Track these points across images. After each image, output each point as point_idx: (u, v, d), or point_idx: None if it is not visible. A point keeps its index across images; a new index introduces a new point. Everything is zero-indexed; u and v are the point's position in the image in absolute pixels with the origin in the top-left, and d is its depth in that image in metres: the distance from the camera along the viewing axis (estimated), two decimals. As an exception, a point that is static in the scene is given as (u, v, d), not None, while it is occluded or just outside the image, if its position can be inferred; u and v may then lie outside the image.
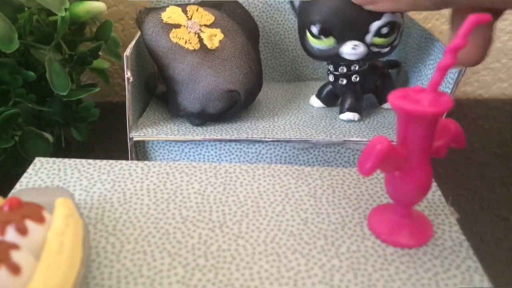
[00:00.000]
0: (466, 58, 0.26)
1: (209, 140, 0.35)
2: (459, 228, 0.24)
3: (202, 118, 0.36)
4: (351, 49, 0.34)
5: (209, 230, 0.23)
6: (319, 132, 0.36)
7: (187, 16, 0.36)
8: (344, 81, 0.38)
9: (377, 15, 0.32)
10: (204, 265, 0.21)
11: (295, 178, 0.28)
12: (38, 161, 0.28)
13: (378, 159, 0.20)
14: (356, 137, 0.35)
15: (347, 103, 0.38)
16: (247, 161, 0.36)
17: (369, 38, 0.34)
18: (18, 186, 0.26)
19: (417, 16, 0.52)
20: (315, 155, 0.36)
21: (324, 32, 0.34)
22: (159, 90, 0.41)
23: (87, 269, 0.21)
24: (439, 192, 0.27)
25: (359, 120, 0.38)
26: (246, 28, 0.39)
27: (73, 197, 0.22)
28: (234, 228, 0.24)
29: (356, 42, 0.34)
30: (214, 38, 0.36)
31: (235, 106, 0.36)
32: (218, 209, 0.25)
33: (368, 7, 0.26)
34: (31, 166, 0.27)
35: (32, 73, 0.35)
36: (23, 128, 0.36)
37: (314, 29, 0.34)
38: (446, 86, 0.34)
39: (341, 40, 0.34)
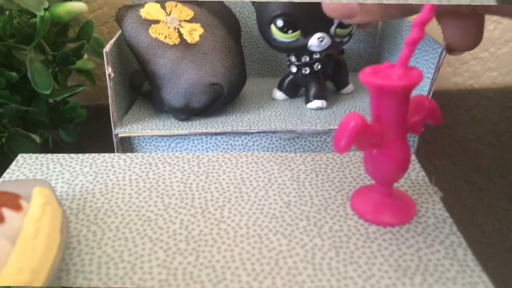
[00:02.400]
0: (460, 44, 0.26)
1: (195, 134, 0.35)
2: (442, 206, 0.24)
3: (187, 113, 0.36)
4: (317, 41, 0.34)
5: (191, 216, 0.23)
6: (304, 122, 0.36)
7: (166, 12, 0.37)
8: (308, 70, 0.38)
9: None
10: (185, 249, 0.21)
11: (278, 164, 0.28)
12: (21, 157, 0.28)
13: (352, 136, 0.20)
14: (341, 124, 0.35)
15: (313, 91, 0.38)
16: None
17: (333, 29, 0.34)
18: (0, 181, 0.26)
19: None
20: (301, 145, 0.36)
21: (290, 25, 0.34)
22: (145, 88, 0.41)
23: (68, 256, 0.21)
24: (422, 173, 0.27)
25: (327, 108, 0.38)
26: (226, 22, 0.39)
27: (52, 187, 0.22)
28: (216, 213, 0.24)
29: (322, 34, 0.34)
30: (194, 32, 0.36)
31: (219, 100, 0.36)
32: (201, 196, 0.25)
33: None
34: (14, 162, 0.27)
35: (14, 74, 0.35)
36: (9, 129, 0.36)
37: (280, 23, 0.34)
38: (428, 71, 0.34)
39: (306, 33, 0.35)
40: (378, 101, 0.21)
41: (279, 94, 0.41)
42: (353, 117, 0.20)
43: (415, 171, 0.27)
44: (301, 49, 0.36)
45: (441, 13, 0.26)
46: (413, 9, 0.24)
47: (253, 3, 0.38)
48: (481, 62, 0.57)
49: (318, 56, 0.37)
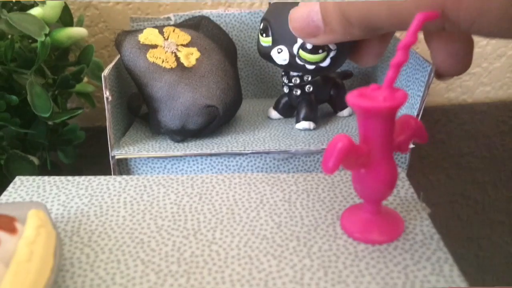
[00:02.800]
0: (449, 69, 0.27)
1: (190, 155, 0.36)
2: (430, 222, 0.25)
3: (183, 134, 0.37)
4: (276, 52, 0.35)
5: (183, 238, 0.24)
6: (298, 142, 0.36)
7: (164, 37, 0.38)
8: (299, 92, 0.39)
9: None
10: (177, 271, 0.22)
11: (270, 185, 0.28)
12: (18, 180, 0.28)
13: (339, 156, 0.20)
14: (334, 144, 0.36)
15: (302, 112, 0.39)
16: (227, 173, 0.37)
17: (295, 48, 0.35)
18: (-3, 205, 0.26)
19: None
20: (295, 165, 0.37)
21: (265, 30, 0.35)
22: (143, 111, 0.42)
23: (61, 278, 0.21)
24: (411, 190, 0.27)
25: (314, 129, 0.39)
26: (222, 46, 0.40)
27: (47, 209, 0.23)
28: (208, 234, 0.24)
29: (282, 47, 0.35)
30: (190, 56, 0.37)
31: (214, 121, 0.37)
32: (193, 218, 0.25)
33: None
34: (11, 185, 0.28)
35: (14, 97, 0.36)
36: (8, 151, 0.37)
37: (262, 25, 0.36)
38: (418, 89, 0.35)
39: (275, 42, 0.35)
40: (365, 122, 0.21)
41: (274, 114, 0.42)
42: (340, 139, 0.21)
43: (404, 188, 0.28)
44: (268, 57, 0.36)
45: (430, 36, 0.27)
46: (376, 29, 0.25)
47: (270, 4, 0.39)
48: (474, 77, 0.58)
49: (309, 78, 0.38)
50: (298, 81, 0.38)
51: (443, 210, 0.38)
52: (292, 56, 0.35)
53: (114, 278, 0.21)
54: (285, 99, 0.41)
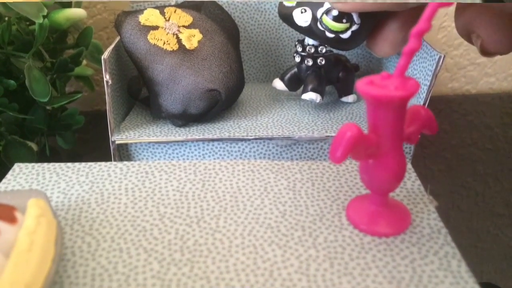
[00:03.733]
0: (498, 45, 0.25)
1: (192, 140, 0.35)
2: (437, 216, 0.24)
3: (184, 119, 0.36)
4: (299, 11, 0.34)
5: (186, 226, 0.23)
6: (301, 129, 0.36)
7: (165, 18, 0.37)
8: (310, 62, 0.38)
9: None
10: (180, 260, 0.21)
11: (274, 173, 0.28)
12: (17, 167, 0.28)
13: (348, 146, 0.20)
14: (338, 131, 0.35)
15: (311, 84, 0.38)
16: (230, 160, 0.36)
17: (320, 12, 0.34)
18: (-4, 192, 0.26)
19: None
20: (298, 151, 0.36)
21: None
22: (143, 95, 0.41)
23: (62, 268, 0.21)
24: (418, 182, 0.27)
25: (324, 115, 0.38)
26: (225, 28, 0.39)
27: (47, 197, 0.22)
28: (212, 222, 0.24)
29: (306, 7, 0.34)
30: (192, 38, 0.36)
31: (216, 106, 0.36)
32: (196, 205, 0.25)
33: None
34: (10, 172, 0.27)
35: (12, 82, 0.35)
36: (6, 137, 0.36)
37: None
38: (425, 79, 0.34)
39: (299, 4, 0.34)
40: (375, 111, 0.21)
41: (279, 84, 0.41)
42: (348, 128, 0.20)
43: (411, 180, 0.27)
44: (288, 16, 0.35)
45: (474, 9, 0.25)
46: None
47: None
48: (479, 67, 0.57)
49: (324, 51, 0.37)
50: (312, 50, 0.37)
51: (444, 201, 0.37)
52: (314, 19, 0.34)
53: (116, 267, 0.21)
54: (293, 70, 0.40)
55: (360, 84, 0.20)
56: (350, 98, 0.41)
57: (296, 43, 0.38)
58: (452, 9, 0.25)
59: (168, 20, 0.37)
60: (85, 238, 0.22)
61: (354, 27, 0.34)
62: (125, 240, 0.22)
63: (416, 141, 0.23)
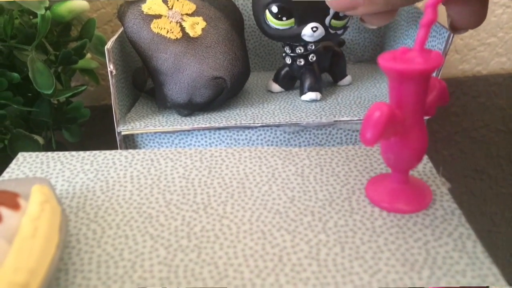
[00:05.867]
0: (464, 22, 0.25)
1: (198, 129, 0.35)
2: (450, 197, 0.23)
3: (190, 108, 0.36)
4: (310, 31, 0.34)
5: (193, 212, 0.23)
6: (309, 115, 0.35)
7: (168, 6, 0.36)
8: (302, 62, 0.37)
9: None
10: (187, 246, 0.21)
11: (282, 159, 0.27)
12: (21, 156, 0.27)
13: (380, 127, 0.19)
14: (347, 116, 0.34)
15: (307, 83, 0.38)
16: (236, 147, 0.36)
17: (327, 20, 0.34)
18: None
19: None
20: (306, 138, 0.35)
21: (284, 12, 0.34)
22: (148, 86, 0.41)
23: (66, 255, 0.20)
24: (430, 164, 0.26)
25: (321, 99, 0.38)
26: (229, 15, 0.39)
27: (51, 185, 0.22)
28: (219, 209, 0.23)
29: (316, 24, 0.34)
30: (196, 26, 0.36)
31: (222, 93, 0.36)
32: (203, 192, 0.24)
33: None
34: (14, 161, 0.27)
35: (16, 75, 0.35)
36: (12, 131, 0.36)
37: (274, 9, 0.34)
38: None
39: (300, 22, 0.34)
40: (399, 87, 0.20)
41: (274, 86, 0.40)
42: (378, 107, 0.19)
43: (423, 162, 0.26)
44: (294, 38, 0.35)
45: None
46: None
47: None
48: (489, 47, 0.56)
49: (313, 47, 0.37)
50: (302, 50, 0.37)
51: (457, 185, 0.36)
52: (326, 29, 0.34)
53: (122, 254, 0.20)
54: (285, 70, 0.40)
55: (383, 60, 0.19)
56: (346, 81, 0.41)
57: (283, 44, 0.38)
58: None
59: (171, 8, 0.36)
60: (90, 225, 0.22)
61: None
62: (131, 227, 0.22)
63: (433, 113, 0.22)
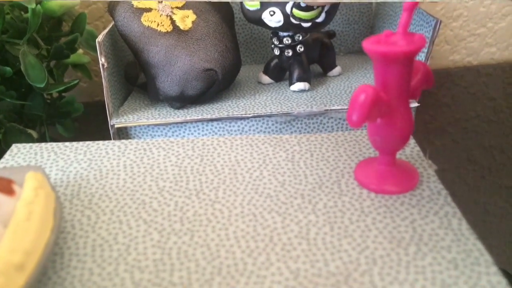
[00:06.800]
0: None
1: (191, 121, 0.35)
2: (437, 179, 0.24)
3: (182, 101, 0.36)
4: (268, 14, 0.35)
5: (186, 198, 0.23)
6: (300, 104, 0.36)
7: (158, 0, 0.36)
8: (290, 53, 0.38)
9: None
10: (180, 229, 0.21)
11: (273, 146, 0.28)
12: (15, 147, 0.28)
13: (365, 108, 0.20)
14: (337, 105, 0.35)
15: (296, 74, 0.39)
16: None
17: (288, 8, 0.34)
18: (-5, 173, 0.26)
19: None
20: (298, 127, 0.36)
21: None
22: (140, 81, 0.41)
23: (62, 240, 0.21)
24: (417, 148, 0.27)
25: (310, 90, 0.38)
26: (219, 8, 0.39)
27: (45, 172, 0.22)
28: (211, 194, 0.24)
29: (274, 9, 0.34)
30: (186, 19, 0.36)
31: (213, 85, 0.36)
32: (195, 179, 0.25)
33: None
34: (8, 152, 0.27)
35: (8, 69, 0.35)
36: (5, 125, 0.36)
37: None
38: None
39: (264, 5, 0.35)
40: (384, 69, 0.21)
41: (264, 78, 0.41)
42: (363, 89, 0.20)
43: (410, 146, 0.27)
44: (258, 21, 0.36)
45: None
46: None
47: None
48: (479, 38, 0.56)
49: (300, 38, 0.37)
50: (289, 41, 0.37)
51: (449, 175, 0.37)
52: (286, 16, 0.34)
53: (116, 238, 0.21)
54: (275, 61, 0.40)
55: (367, 43, 0.20)
56: (335, 72, 0.42)
57: (271, 35, 0.38)
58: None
59: (161, 1, 0.37)
60: (85, 212, 0.22)
61: (327, 7, 0.34)
62: (124, 213, 0.22)
63: (418, 97, 0.23)
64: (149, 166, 0.26)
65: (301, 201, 0.23)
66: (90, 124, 0.48)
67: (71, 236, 0.21)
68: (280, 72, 0.41)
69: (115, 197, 0.24)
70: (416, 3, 0.20)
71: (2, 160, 0.26)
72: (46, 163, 0.26)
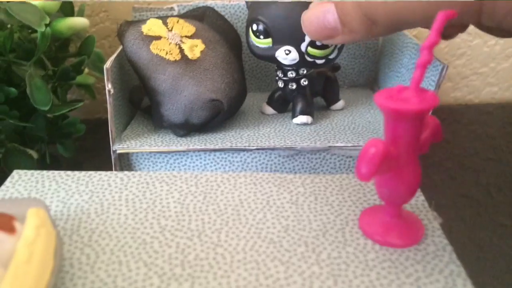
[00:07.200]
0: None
1: (193, 150, 0.35)
2: (442, 233, 0.24)
3: (186, 129, 0.36)
4: (283, 53, 0.34)
5: (187, 239, 0.23)
6: (303, 139, 0.36)
7: (168, 28, 0.36)
8: (294, 86, 0.38)
9: None
10: (181, 275, 0.21)
11: (277, 186, 0.27)
12: (16, 174, 0.27)
13: (374, 163, 0.19)
14: (341, 142, 0.35)
15: (299, 106, 0.38)
16: (232, 170, 0.36)
17: (303, 46, 0.34)
18: (-6, 200, 0.25)
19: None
20: (300, 162, 0.36)
21: (263, 32, 0.35)
22: (144, 104, 0.41)
23: (60, 280, 0.20)
24: (422, 197, 0.27)
25: (312, 123, 0.38)
26: (227, 38, 0.39)
27: (47, 207, 0.22)
28: (213, 236, 0.23)
29: (289, 48, 0.34)
30: (195, 48, 0.36)
31: (218, 116, 0.36)
32: (198, 218, 0.25)
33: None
34: (9, 179, 0.27)
35: (13, 89, 0.35)
36: (6, 145, 0.36)
37: (255, 27, 0.35)
38: (428, 89, 0.34)
39: (277, 43, 0.35)
40: (395, 125, 0.21)
41: (268, 109, 0.41)
42: (373, 144, 0.20)
43: (415, 195, 0.27)
44: (271, 58, 0.36)
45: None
46: (399, 26, 0.24)
47: (247, 3, 0.38)
48: (481, 77, 0.57)
49: (305, 72, 0.37)
50: (293, 74, 0.37)
51: (446, 211, 0.37)
52: (301, 55, 0.34)
53: (115, 281, 0.20)
54: (278, 93, 0.40)
55: (379, 98, 0.20)
56: (338, 105, 0.42)
57: (276, 68, 0.38)
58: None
59: (171, 30, 0.37)
60: (84, 250, 0.22)
61: (339, 44, 0.35)
62: (124, 253, 0.22)
63: (427, 151, 0.23)
64: (151, 202, 0.26)
65: (304, 249, 0.23)
66: (89, 142, 0.48)
67: (69, 276, 0.21)
68: (283, 104, 0.41)
69: (116, 234, 0.23)
70: (430, 60, 0.20)
71: (3, 187, 0.26)
72: (47, 193, 0.26)
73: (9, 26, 0.35)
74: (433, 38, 0.19)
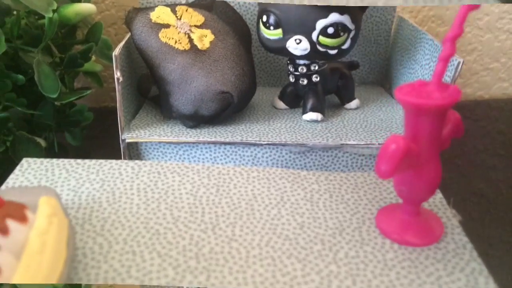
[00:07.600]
0: None
1: (203, 143, 0.34)
2: (461, 230, 0.23)
3: (196, 120, 0.35)
4: (294, 43, 0.34)
5: (201, 232, 0.22)
6: (315, 136, 0.35)
7: (176, 16, 0.36)
8: (305, 81, 0.37)
9: (324, 14, 0.32)
10: (196, 267, 0.20)
11: (290, 182, 0.27)
12: (26, 162, 0.27)
13: (395, 160, 0.19)
14: (353, 140, 0.34)
15: (309, 103, 0.38)
16: (242, 164, 0.35)
17: (315, 35, 0.33)
18: (3, 187, 0.25)
19: (413, 19, 0.52)
20: (312, 159, 0.35)
21: (273, 22, 0.34)
22: (153, 93, 0.40)
23: (73, 270, 0.20)
24: (440, 195, 0.26)
25: (322, 120, 0.38)
26: (237, 29, 0.38)
27: (58, 196, 0.21)
28: (228, 230, 0.23)
29: (300, 37, 0.34)
30: (204, 38, 0.35)
31: (228, 108, 0.35)
32: (211, 211, 0.24)
33: None
34: (18, 167, 0.26)
35: (21, 76, 0.34)
36: (14, 133, 0.35)
37: (265, 18, 0.34)
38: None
39: (287, 33, 0.34)
40: (416, 121, 0.20)
41: (279, 103, 0.40)
42: (395, 140, 0.19)
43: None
44: (281, 50, 0.35)
45: None
46: None
47: None
48: (492, 72, 0.56)
49: (316, 68, 0.37)
50: (304, 70, 0.37)
51: (455, 208, 0.37)
52: (312, 44, 0.34)
53: (129, 271, 0.20)
54: (290, 88, 0.40)
55: (400, 93, 0.19)
56: (353, 104, 0.41)
57: (288, 62, 0.38)
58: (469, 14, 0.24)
59: (180, 18, 0.36)
60: (97, 239, 0.21)
61: (352, 34, 0.34)
62: (138, 243, 0.21)
63: (448, 146, 0.22)
64: (164, 192, 0.25)
65: (321, 247, 0.22)
66: (96, 130, 0.47)
67: (82, 266, 0.20)
68: (295, 99, 0.40)
69: (128, 224, 0.23)
70: (453, 52, 0.19)
71: (12, 175, 0.25)
72: (57, 181, 0.25)
73: (15, 12, 0.35)
74: (456, 30, 0.19)
